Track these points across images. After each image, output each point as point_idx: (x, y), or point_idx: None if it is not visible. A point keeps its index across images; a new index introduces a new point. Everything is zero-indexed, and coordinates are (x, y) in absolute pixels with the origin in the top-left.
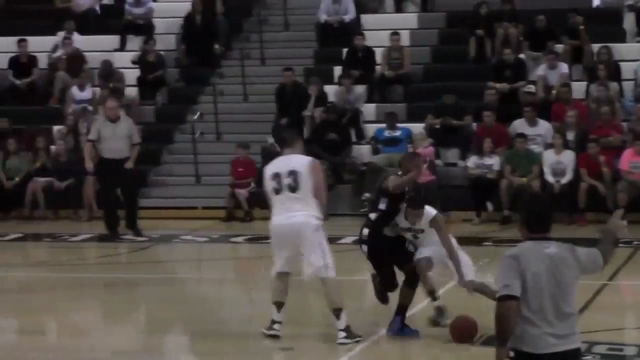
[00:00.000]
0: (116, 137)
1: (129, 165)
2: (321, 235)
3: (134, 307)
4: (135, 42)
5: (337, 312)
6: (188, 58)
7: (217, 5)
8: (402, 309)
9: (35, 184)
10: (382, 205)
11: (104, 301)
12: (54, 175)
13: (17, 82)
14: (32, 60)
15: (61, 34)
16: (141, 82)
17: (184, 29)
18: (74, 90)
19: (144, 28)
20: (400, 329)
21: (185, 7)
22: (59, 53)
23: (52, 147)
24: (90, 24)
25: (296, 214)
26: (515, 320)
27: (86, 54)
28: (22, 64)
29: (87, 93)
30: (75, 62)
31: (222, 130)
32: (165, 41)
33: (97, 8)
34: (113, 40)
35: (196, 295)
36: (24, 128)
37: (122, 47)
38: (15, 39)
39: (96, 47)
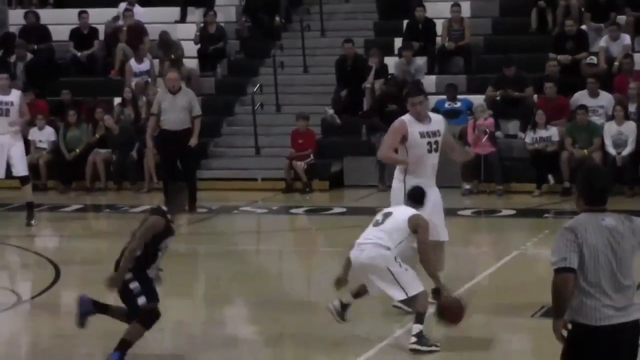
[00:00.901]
0: (175, 109)
1: (194, 141)
2: None
3: (193, 279)
4: (196, 14)
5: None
6: (248, 30)
7: None
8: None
9: (95, 155)
10: None
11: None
12: (114, 147)
13: (78, 54)
14: (93, 32)
15: (122, 6)
16: (201, 54)
17: (245, 1)
18: (133, 62)
19: (205, 0)
20: None
21: None
22: (119, 24)
23: (107, 118)
24: None
25: None
26: (572, 292)
27: (147, 25)
28: (82, 35)
29: (146, 65)
30: (135, 34)
31: (282, 102)
32: (226, 13)
33: None
34: (174, 12)
35: (255, 266)
36: (84, 100)
37: (182, 19)
38: (76, 10)
39: (157, 19)
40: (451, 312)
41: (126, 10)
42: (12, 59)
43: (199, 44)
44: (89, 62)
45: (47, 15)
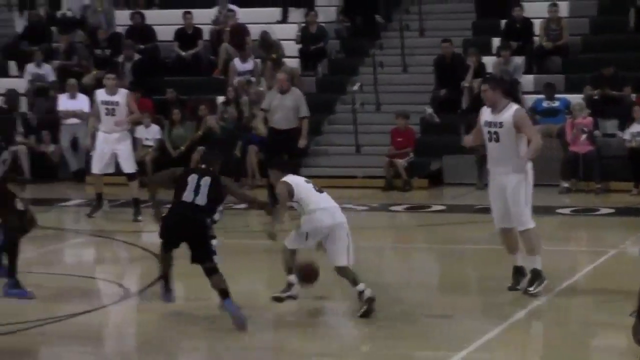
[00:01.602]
0: (282, 108)
1: (302, 142)
2: None
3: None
4: (296, 15)
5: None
6: (348, 30)
7: None
8: None
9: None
10: None
11: (268, 268)
12: (217, 144)
13: (183, 53)
14: (197, 32)
15: (225, 6)
16: (303, 54)
17: (345, 1)
18: (236, 62)
19: (305, 0)
20: None
21: None
22: (222, 25)
23: (216, 117)
24: None
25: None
26: None
27: (249, 26)
28: (187, 35)
29: (249, 64)
30: (238, 34)
31: (381, 101)
32: (326, 13)
33: None
34: (275, 12)
35: (356, 262)
36: (189, 98)
37: (283, 20)
38: (180, 11)
39: (258, 19)
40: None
41: (229, 10)
42: (120, 58)
43: (300, 43)
44: (194, 62)
45: (152, 16)
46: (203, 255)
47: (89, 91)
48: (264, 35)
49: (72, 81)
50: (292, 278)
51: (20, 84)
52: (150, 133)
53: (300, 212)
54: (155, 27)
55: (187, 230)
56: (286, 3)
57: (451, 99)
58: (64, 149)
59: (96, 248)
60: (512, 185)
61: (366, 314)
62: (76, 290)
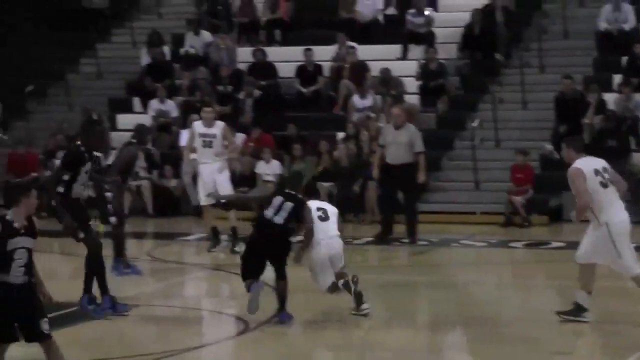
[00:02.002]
0: (397, 144)
1: (421, 177)
2: None
3: (413, 308)
4: (416, 51)
5: None
6: (468, 66)
7: (497, 15)
8: None
9: (320, 187)
10: None
11: (384, 301)
12: (337, 180)
13: (303, 90)
14: (318, 68)
15: (344, 44)
16: (422, 90)
17: (464, 38)
18: (356, 98)
19: (425, 37)
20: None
21: (466, 16)
22: (342, 62)
23: (336, 153)
24: (373, 33)
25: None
26: None
27: (369, 62)
28: (308, 72)
29: (369, 101)
30: (358, 71)
31: (501, 137)
32: (446, 50)
33: (380, 18)
34: (395, 49)
35: (473, 297)
36: (309, 134)
37: (403, 56)
38: (301, 48)
39: (379, 56)
40: None
41: (349, 47)
42: (241, 95)
43: (420, 80)
44: (314, 98)
45: (273, 53)
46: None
47: None
48: (384, 72)
49: (194, 117)
50: None
51: (143, 120)
52: (271, 168)
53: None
54: (276, 64)
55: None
56: (406, 40)
57: (571, 136)
58: (186, 184)
59: (216, 282)
60: None
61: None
62: (196, 323)
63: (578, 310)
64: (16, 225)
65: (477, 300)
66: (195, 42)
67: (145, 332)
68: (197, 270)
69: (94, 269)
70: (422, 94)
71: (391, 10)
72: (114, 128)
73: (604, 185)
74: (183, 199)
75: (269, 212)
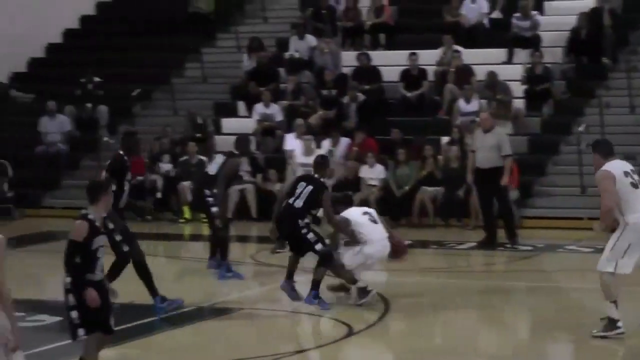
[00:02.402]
0: (485, 147)
1: (504, 180)
2: None
3: (515, 314)
4: (522, 55)
5: None
6: (574, 70)
7: (604, 18)
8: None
9: (423, 193)
10: None
11: (486, 307)
12: (441, 184)
13: (408, 94)
14: (422, 73)
15: (449, 47)
16: (528, 94)
17: (571, 42)
18: (461, 103)
19: (531, 41)
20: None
21: (572, 20)
22: (447, 66)
23: (440, 157)
24: (478, 37)
25: None
26: None
27: (474, 66)
28: (412, 76)
29: (474, 105)
30: (462, 75)
31: None
32: (552, 54)
33: (486, 22)
34: (500, 53)
35: (577, 303)
36: (413, 138)
37: (509, 60)
38: (406, 52)
39: (484, 60)
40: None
41: (454, 51)
42: (345, 99)
43: (526, 84)
44: (418, 102)
45: (378, 57)
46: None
47: (314, 131)
48: (490, 76)
49: (299, 121)
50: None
51: (248, 124)
52: (375, 173)
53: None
54: (380, 68)
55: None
56: (512, 44)
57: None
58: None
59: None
60: None
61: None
62: (300, 327)
63: (611, 324)
64: (98, 224)
65: (580, 306)
66: (300, 46)
67: (250, 336)
68: (300, 274)
69: (143, 275)
70: (527, 98)
71: (496, 14)
72: (219, 132)
73: (635, 185)
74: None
75: (292, 198)
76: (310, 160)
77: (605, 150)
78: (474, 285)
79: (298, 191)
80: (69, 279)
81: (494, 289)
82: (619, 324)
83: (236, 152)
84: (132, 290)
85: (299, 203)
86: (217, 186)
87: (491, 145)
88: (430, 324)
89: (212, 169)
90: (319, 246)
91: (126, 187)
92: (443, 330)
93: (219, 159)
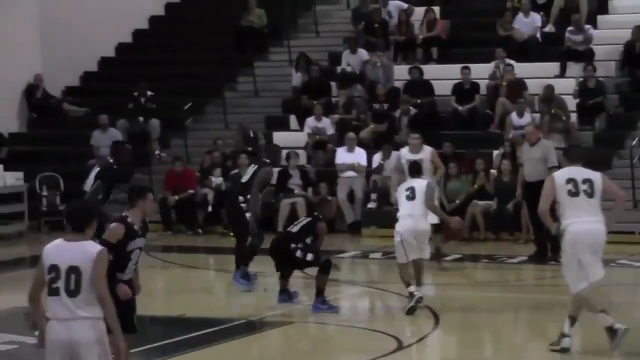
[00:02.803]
0: (531, 160)
1: None
2: None
3: (555, 327)
4: (575, 69)
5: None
6: (628, 84)
7: None
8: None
9: (474, 207)
10: None
11: (537, 322)
12: (493, 198)
13: (460, 107)
14: (474, 86)
15: (501, 61)
16: (580, 108)
17: (625, 55)
18: (513, 116)
19: (584, 55)
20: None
21: (626, 34)
22: (499, 80)
23: (492, 171)
24: (531, 51)
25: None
26: None
27: (526, 80)
28: (464, 90)
29: (526, 119)
30: (515, 89)
31: None
32: (606, 68)
33: (538, 36)
34: (553, 67)
35: (630, 319)
36: (465, 152)
37: (562, 74)
38: (459, 66)
39: (536, 73)
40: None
41: (507, 65)
42: (397, 113)
43: (578, 98)
44: (470, 116)
45: (430, 71)
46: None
47: (366, 144)
48: (547, 89)
49: (350, 135)
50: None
51: (300, 138)
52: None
53: None
54: (432, 82)
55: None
56: (565, 58)
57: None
58: (340, 201)
59: (370, 299)
60: None
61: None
62: (349, 340)
63: (612, 334)
64: (135, 227)
65: (631, 321)
66: (352, 60)
67: (299, 349)
68: (351, 287)
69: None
70: (579, 112)
71: (549, 28)
72: (272, 145)
73: (573, 194)
74: (337, 216)
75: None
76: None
77: (572, 157)
78: (525, 299)
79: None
80: None
81: (545, 304)
82: (617, 326)
83: (267, 161)
84: (182, 303)
85: (296, 228)
86: (251, 193)
87: (538, 158)
88: (481, 338)
89: (244, 178)
90: (309, 256)
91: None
92: (493, 345)
93: (250, 169)
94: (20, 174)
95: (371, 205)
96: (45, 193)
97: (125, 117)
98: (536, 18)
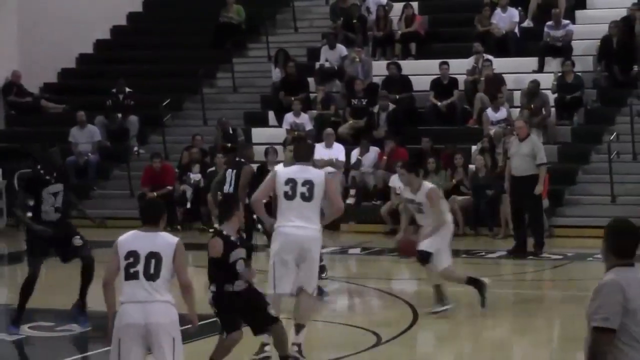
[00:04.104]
0: (520, 155)
1: (538, 189)
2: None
3: (545, 324)
4: (553, 64)
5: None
6: (606, 79)
7: (636, 26)
8: None
9: (453, 202)
10: None
11: (517, 316)
12: (471, 193)
13: (438, 103)
14: (453, 82)
15: (480, 56)
16: (559, 103)
17: (602, 50)
18: (489, 111)
19: (563, 50)
20: None
21: (603, 29)
22: (478, 75)
23: (471, 166)
24: (509, 46)
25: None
26: (609, 352)
27: (505, 75)
28: (443, 85)
29: (502, 113)
30: (493, 84)
31: (638, 151)
32: (584, 62)
33: (517, 31)
34: (532, 62)
35: None
36: (444, 147)
37: (540, 69)
38: (437, 61)
39: (515, 69)
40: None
41: (485, 60)
42: (376, 108)
43: (556, 93)
44: (449, 111)
45: (408, 66)
46: None
47: (344, 140)
48: (532, 84)
49: (329, 130)
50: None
51: (278, 133)
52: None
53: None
54: (411, 77)
55: None
56: (543, 52)
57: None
58: None
59: (348, 294)
60: None
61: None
62: (330, 337)
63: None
64: (233, 238)
65: None
66: (331, 55)
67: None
68: (330, 283)
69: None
70: (558, 107)
71: (528, 23)
72: (250, 142)
73: (289, 197)
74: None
75: None
76: None
77: (296, 154)
78: (504, 294)
79: None
80: (213, 288)
81: (524, 298)
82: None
83: (243, 160)
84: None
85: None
86: (239, 194)
87: (526, 153)
88: (460, 333)
89: (226, 187)
90: None
91: (50, 200)
92: (473, 339)
93: (228, 174)
94: None
95: (350, 201)
96: None
97: (103, 114)
98: (514, 13)
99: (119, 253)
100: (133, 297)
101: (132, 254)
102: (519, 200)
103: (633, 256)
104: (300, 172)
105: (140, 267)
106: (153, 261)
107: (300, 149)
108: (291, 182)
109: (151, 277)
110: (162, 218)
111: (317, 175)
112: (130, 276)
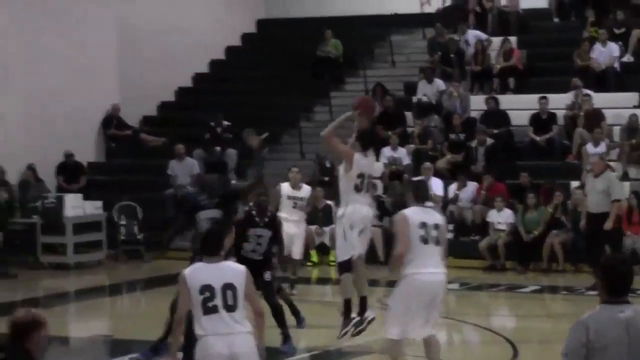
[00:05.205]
0: (594, 192)
1: (608, 225)
2: None
3: None
4: None
5: None
6: None
7: None
8: None
9: (552, 237)
10: None
11: None
12: (572, 229)
13: (537, 138)
14: (552, 116)
15: (579, 91)
16: None
17: None
18: (589, 146)
19: None
20: None
21: None
22: (577, 110)
23: (569, 202)
24: (609, 81)
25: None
26: None
27: (604, 110)
28: (541, 120)
29: (602, 148)
30: (593, 119)
31: None
32: None
33: (617, 65)
34: (632, 97)
35: None
36: (542, 183)
37: None
38: (536, 96)
39: (614, 104)
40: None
41: (585, 95)
42: (473, 143)
43: None
44: (547, 146)
45: (506, 101)
46: None
47: (442, 174)
48: (632, 119)
49: (427, 165)
50: None
51: (376, 167)
52: (503, 217)
53: None
54: (509, 112)
55: None
56: None
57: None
58: None
59: (448, 331)
60: None
61: None
62: None
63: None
64: None
65: None
66: (428, 90)
67: None
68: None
69: None
70: None
71: (628, 58)
72: None
73: (425, 240)
74: None
75: None
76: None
77: (417, 194)
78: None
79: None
80: None
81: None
82: None
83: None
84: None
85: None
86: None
87: (601, 190)
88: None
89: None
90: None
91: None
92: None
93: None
94: (99, 203)
95: (448, 235)
96: (123, 222)
97: (202, 147)
98: (614, 48)
99: (190, 287)
100: (215, 330)
101: (207, 288)
102: (595, 237)
103: (624, 294)
104: (426, 214)
105: (218, 301)
106: (230, 292)
107: (420, 188)
108: (424, 226)
109: (231, 308)
110: (223, 248)
111: (440, 219)
112: (210, 310)
